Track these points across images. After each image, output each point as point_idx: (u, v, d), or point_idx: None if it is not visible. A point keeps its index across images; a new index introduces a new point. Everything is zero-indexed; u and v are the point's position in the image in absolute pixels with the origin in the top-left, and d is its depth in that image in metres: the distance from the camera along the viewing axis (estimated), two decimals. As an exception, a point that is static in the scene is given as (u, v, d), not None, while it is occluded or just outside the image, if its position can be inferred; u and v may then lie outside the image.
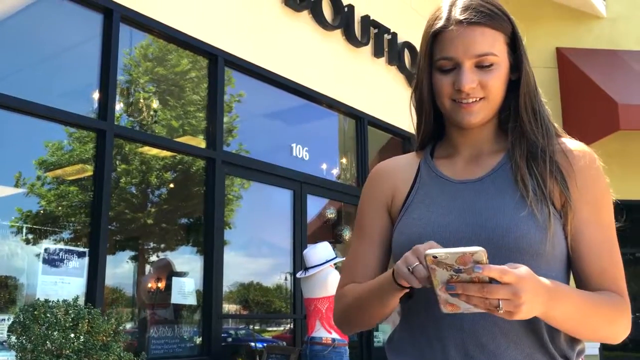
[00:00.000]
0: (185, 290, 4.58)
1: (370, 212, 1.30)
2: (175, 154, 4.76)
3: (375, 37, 6.31)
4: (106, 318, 2.75)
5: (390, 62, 6.48)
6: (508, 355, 1.09)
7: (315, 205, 6.01)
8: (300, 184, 5.50)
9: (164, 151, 4.68)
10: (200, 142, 4.79)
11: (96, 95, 4.03)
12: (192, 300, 4.62)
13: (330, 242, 4.69)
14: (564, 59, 8.13)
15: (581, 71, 7.73)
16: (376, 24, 6.30)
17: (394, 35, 6.51)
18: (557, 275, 1.11)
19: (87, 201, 3.97)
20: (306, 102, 5.71)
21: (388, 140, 6.76)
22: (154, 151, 4.64)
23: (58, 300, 2.69)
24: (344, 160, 6.39)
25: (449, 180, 1.22)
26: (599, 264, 1.13)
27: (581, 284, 1.15)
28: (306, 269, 4.45)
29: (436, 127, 1.29)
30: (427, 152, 1.30)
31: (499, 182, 1.17)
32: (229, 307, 5.20)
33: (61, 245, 3.80)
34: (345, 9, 5.92)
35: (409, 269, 1.00)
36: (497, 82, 1.16)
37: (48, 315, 2.58)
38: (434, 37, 1.18)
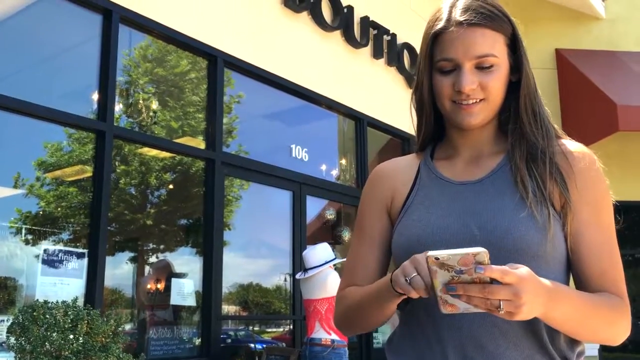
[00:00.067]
0: (185, 291, 4.58)
1: (370, 214, 1.30)
2: (174, 155, 4.76)
3: (374, 38, 6.32)
4: (105, 319, 2.74)
5: (389, 63, 6.49)
6: (507, 357, 1.09)
7: (314, 206, 6.01)
8: (300, 185, 5.50)
9: (164, 152, 4.68)
10: (199, 143, 4.79)
11: (95, 96, 4.03)
12: (191, 302, 4.62)
13: (329, 243, 4.68)
14: (563, 60, 8.13)
15: (580, 72, 7.73)
16: (375, 25, 6.30)
17: (394, 36, 6.51)
18: (556, 277, 1.11)
19: (86, 202, 3.97)
20: (305, 103, 5.71)
21: (387, 141, 6.76)
22: (153, 152, 4.64)
23: (57, 302, 2.69)
24: (343, 161, 6.39)
25: (448, 181, 1.22)
26: (598, 266, 1.13)
27: (581, 286, 1.15)
28: (305, 270, 4.44)
29: (436, 128, 1.29)
30: (427, 154, 1.30)
31: (498, 184, 1.17)
32: (228, 308, 5.20)
33: (60, 246, 3.80)
34: (345, 10, 5.93)
35: (406, 280, 1.00)
36: (497, 83, 1.16)
37: (47, 316, 2.58)
38: (434, 38, 1.18)
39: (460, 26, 1.14)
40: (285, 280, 5.56)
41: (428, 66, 1.20)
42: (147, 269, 4.73)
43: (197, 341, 4.58)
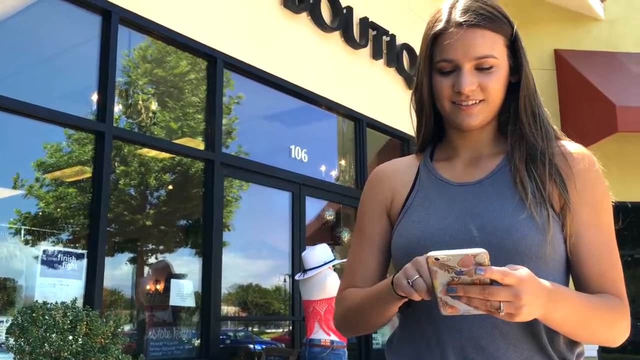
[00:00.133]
0: (184, 292, 4.58)
1: (370, 215, 1.30)
2: (174, 155, 4.75)
3: (373, 39, 6.32)
4: (104, 320, 2.74)
5: (388, 64, 6.49)
6: (507, 358, 1.08)
7: (314, 207, 6.01)
8: (299, 186, 5.50)
9: (163, 153, 4.68)
10: (199, 143, 4.79)
11: (95, 97, 4.03)
12: (190, 302, 4.62)
13: (329, 244, 4.68)
14: (562, 61, 8.14)
15: (579, 73, 7.74)
16: (375, 26, 6.30)
17: (393, 37, 6.52)
18: (556, 278, 1.11)
19: (85, 203, 3.97)
20: (305, 104, 5.71)
21: (387, 142, 6.77)
22: (152, 153, 4.64)
23: (56, 303, 2.68)
24: (342, 162, 6.40)
25: (448, 182, 1.22)
26: (598, 267, 1.13)
27: (580, 287, 1.15)
28: (305, 271, 4.44)
29: (436, 129, 1.29)
30: (427, 155, 1.30)
31: (498, 185, 1.17)
32: (227, 309, 5.20)
33: (60, 247, 3.80)
34: (344, 11, 5.93)
35: (408, 282, 1.00)
36: (496, 84, 1.16)
37: (46, 317, 2.57)
38: (434, 39, 1.18)
39: (460, 27, 1.14)
40: (285, 281, 5.56)
41: (428, 67, 1.20)
42: (146, 269, 4.73)
43: (197, 342, 4.58)
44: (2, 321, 3.40)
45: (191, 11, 4.63)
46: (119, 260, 4.46)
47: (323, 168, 6.06)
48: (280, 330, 5.86)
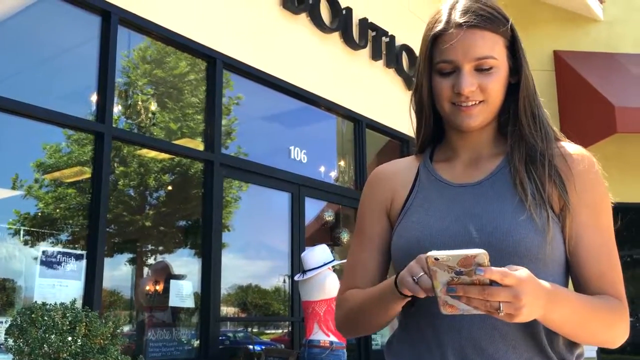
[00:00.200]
0: (183, 292, 4.58)
1: (369, 216, 1.29)
2: (173, 156, 4.75)
3: (373, 39, 6.32)
4: (104, 321, 2.74)
5: (388, 64, 6.49)
6: (507, 359, 1.08)
7: (313, 208, 6.01)
8: (299, 187, 5.50)
9: (162, 154, 4.68)
10: (198, 144, 4.79)
11: (94, 98, 4.03)
12: (190, 303, 4.61)
13: (328, 245, 4.69)
14: (561, 62, 8.15)
15: (578, 74, 7.75)
16: (374, 27, 6.31)
17: (392, 38, 6.52)
18: (555, 279, 1.11)
19: (85, 204, 3.97)
20: (304, 105, 5.72)
21: (386, 142, 6.77)
22: (152, 154, 4.64)
23: (55, 303, 2.68)
24: (342, 163, 6.40)
25: (448, 183, 1.22)
26: (597, 268, 1.13)
27: (579, 288, 1.15)
28: (304, 271, 4.44)
29: (436, 130, 1.29)
30: (427, 156, 1.29)
31: (497, 186, 1.17)
32: (227, 310, 5.20)
33: (59, 248, 3.79)
34: (343, 12, 5.93)
35: (413, 279, 1.00)
36: (496, 85, 1.16)
37: (45, 318, 2.57)
38: (434, 40, 1.18)
39: (459, 28, 1.14)
40: (284, 281, 5.56)
41: (427, 68, 1.20)
42: (145, 270, 4.73)
43: (196, 343, 4.57)
44: (1, 322, 3.39)
45: (191, 12, 4.63)
46: (118, 261, 4.46)
47: (322, 169, 6.06)
48: (280, 331, 5.86)
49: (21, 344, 2.53)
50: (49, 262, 3.66)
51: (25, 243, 3.74)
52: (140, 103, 4.45)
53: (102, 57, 4.04)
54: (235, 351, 5.35)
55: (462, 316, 1.00)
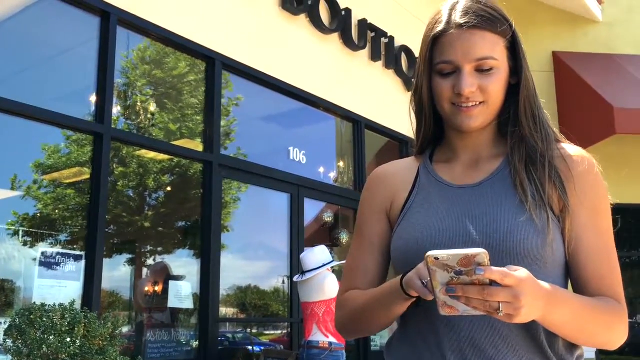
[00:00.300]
0: (182, 293, 4.57)
1: (369, 217, 1.29)
2: (172, 157, 4.75)
3: (372, 40, 6.33)
4: (103, 322, 2.74)
5: (387, 65, 6.49)
6: (506, 361, 1.08)
7: (312, 209, 6.01)
8: (298, 188, 5.50)
9: (161, 154, 4.68)
10: (197, 145, 4.78)
11: (93, 98, 4.03)
12: (188, 304, 4.61)
13: (327, 246, 4.68)
14: (560, 63, 8.15)
15: (577, 75, 7.75)
16: (373, 28, 6.31)
17: (391, 39, 6.52)
18: (555, 281, 1.10)
19: (84, 204, 3.96)
20: (303, 106, 5.72)
21: (385, 143, 6.77)
22: (151, 154, 4.64)
23: (54, 304, 2.68)
24: (341, 164, 6.40)
25: (448, 185, 1.22)
26: (597, 270, 1.13)
27: (579, 290, 1.14)
28: (303, 272, 4.44)
29: (436, 131, 1.28)
30: (427, 157, 1.29)
31: (498, 187, 1.17)
32: (226, 311, 5.19)
33: (58, 249, 3.79)
34: (343, 13, 5.93)
35: (422, 282, 1.00)
36: (496, 86, 1.16)
37: (44, 319, 2.57)
38: (434, 40, 1.18)
39: (460, 29, 1.14)
40: (283, 282, 5.56)
41: (428, 69, 1.20)
42: (144, 271, 4.73)
43: (195, 344, 4.57)
44: (0, 323, 3.39)
45: (190, 12, 4.63)
46: (117, 261, 4.45)
47: (321, 170, 6.06)
48: (279, 332, 5.85)
49: (20, 345, 2.53)
50: (48, 263, 3.66)
51: (25, 244, 3.74)
52: (139, 104, 4.45)
53: (101, 57, 4.04)
54: (234, 352, 5.35)
55: (461, 317, 1.00)
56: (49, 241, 3.86)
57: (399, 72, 6.63)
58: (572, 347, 1.14)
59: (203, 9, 4.74)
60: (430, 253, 0.93)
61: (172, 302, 4.49)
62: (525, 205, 1.11)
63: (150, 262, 4.82)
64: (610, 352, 7.14)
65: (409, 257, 1.15)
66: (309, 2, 5.57)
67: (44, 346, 2.48)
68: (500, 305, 0.92)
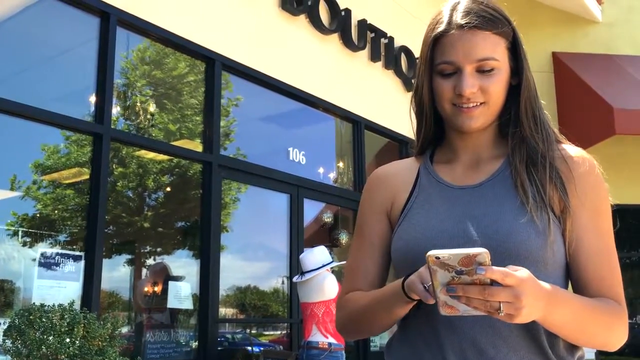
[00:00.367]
0: (182, 294, 4.57)
1: (370, 218, 1.29)
2: (172, 157, 4.75)
3: (372, 41, 6.32)
4: (102, 323, 2.73)
5: (387, 66, 6.49)
6: (507, 362, 1.08)
7: (312, 209, 6.01)
8: (297, 188, 5.50)
9: (161, 155, 4.67)
10: (197, 145, 4.78)
11: (93, 99, 4.03)
12: (188, 305, 4.61)
13: (327, 246, 4.68)
14: (560, 64, 8.15)
15: (577, 76, 7.75)
16: (373, 28, 6.31)
17: (391, 39, 6.52)
18: (555, 281, 1.10)
19: (83, 205, 3.96)
20: (303, 106, 5.72)
21: (385, 144, 6.77)
22: (150, 155, 4.64)
23: (54, 305, 2.68)
24: (340, 164, 6.40)
25: (448, 185, 1.22)
26: (597, 271, 1.13)
27: (579, 291, 1.14)
28: (302, 273, 4.44)
29: (436, 131, 1.28)
30: (427, 157, 1.29)
31: (498, 188, 1.17)
32: (225, 311, 5.19)
33: (57, 249, 3.79)
34: (342, 13, 5.93)
35: (424, 286, 1.00)
36: (497, 87, 1.15)
37: (43, 319, 2.56)
38: (435, 41, 1.17)
39: (461, 29, 1.14)
40: (283, 283, 5.55)
41: (428, 69, 1.19)
42: (144, 271, 4.73)
43: (194, 344, 4.57)
44: (0, 323, 3.39)
45: (189, 13, 4.63)
46: (116, 262, 4.45)
47: (321, 170, 6.06)
48: (278, 332, 5.85)
49: (19, 345, 2.52)
50: (47, 264, 3.65)
51: (24, 244, 3.74)
52: (139, 104, 4.44)
53: (100, 58, 4.03)
54: (234, 353, 5.35)
55: (461, 317, 1.00)
56: (48, 241, 3.85)
57: (398, 72, 6.63)
58: (572, 348, 1.14)
59: (203, 9, 4.74)
60: (431, 252, 0.93)
61: (172, 303, 4.49)
62: (526, 207, 1.11)
63: (149, 262, 4.82)
64: (610, 352, 7.13)
65: (409, 258, 1.15)
66: (309, 3, 5.57)
67: (43, 347, 2.48)
68: (501, 305, 0.92)
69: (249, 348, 5.24)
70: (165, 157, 4.72)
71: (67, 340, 2.55)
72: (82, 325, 2.62)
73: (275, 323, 5.90)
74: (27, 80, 3.89)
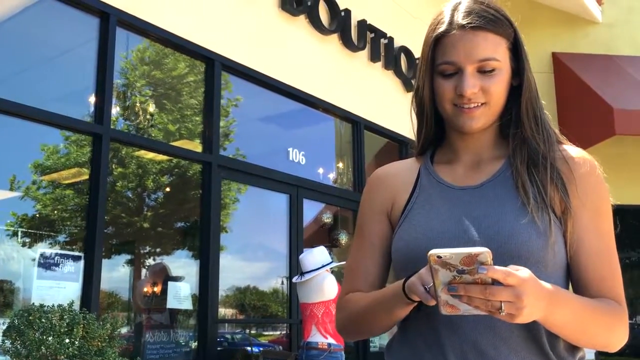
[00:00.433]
0: (181, 294, 4.57)
1: (370, 218, 1.29)
2: (171, 158, 4.75)
3: (371, 41, 6.32)
4: (101, 323, 2.73)
5: (386, 66, 6.49)
6: (508, 362, 1.08)
7: (311, 210, 6.01)
8: (297, 188, 5.49)
9: (161, 155, 4.67)
10: (196, 146, 4.78)
11: (92, 99, 4.03)
12: (187, 305, 4.61)
13: (326, 247, 4.68)
14: (560, 64, 8.15)
15: (577, 76, 7.75)
16: (373, 29, 6.31)
17: (391, 39, 6.52)
18: (556, 282, 1.10)
19: (82, 205, 3.96)
20: (303, 107, 5.71)
21: (384, 144, 6.77)
22: (150, 155, 4.63)
23: (53, 305, 2.67)
24: (340, 165, 6.40)
25: (449, 186, 1.22)
26: (597, 272, 1.12)
27: (579, 291, 1.14)
28: (302, 273, 4.44)
29: (437, 131, 1.28)
30: (427, 158, 1.29)
31: (499, 189, 1.17)
32: (224, 312, 5.19)
33: (57, 250, 3.79)
34: (342, 14, 5.93)
35: (425, 288, 1.00)
36: (498, 87, 1.15)
37: (43, 320, 2.56)
38: (436, 41, 1.17)
39: (462, 29, 1.13)
40: (282, 283, 5.55)
41: (429, 69, 1.19)
42: (143, 272, 4.72)
43: (194, 344, 4.56)
44: (-1, 324, 3.38)
45: (189, 13, 4.63)
46: (116, 262, 4.45)
47: (321, 170, 6.06)
48: (278, 332, 5.85)
49: (18, 346, 2.52)
50: (46, 264, 3.65)
51: (23, 244, 3.74)
52: (138, 104, 4.44)
53: (100, 58, 4.03)
54: (233, 353, 5.35)
55: (462, 317, 0.99)
56: (47, 242, 3.85)
57: (398, 72, 6.63)
58: (573, 348, 1.14)
59: (202, 9, 4.73)
60: (433, 251, 0.92)
61: (171, 303, 4.49)
62: (527, 207, 1.11)
63: (149, 262, 4.81)
64: (610, 353, 7.12)
65: (409, 259, 1.15)
66: (309, 3, 5.57)
67: (42, 347, 2.48)
68: (502, 304, 0.92)
69: (249, 348, 5.24)
70: (165, 157, 4.71)
71: (67, 340, 2.54)
72: (82, 325, 2.62)
73: (274, 323, 5.90)
74: (27, 81, 3.88)
